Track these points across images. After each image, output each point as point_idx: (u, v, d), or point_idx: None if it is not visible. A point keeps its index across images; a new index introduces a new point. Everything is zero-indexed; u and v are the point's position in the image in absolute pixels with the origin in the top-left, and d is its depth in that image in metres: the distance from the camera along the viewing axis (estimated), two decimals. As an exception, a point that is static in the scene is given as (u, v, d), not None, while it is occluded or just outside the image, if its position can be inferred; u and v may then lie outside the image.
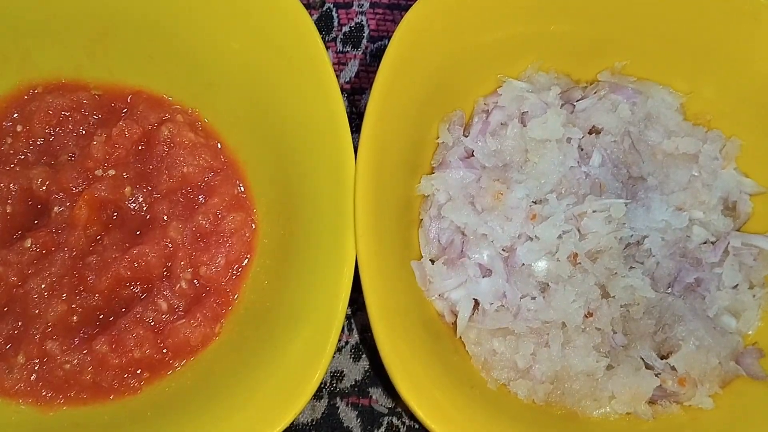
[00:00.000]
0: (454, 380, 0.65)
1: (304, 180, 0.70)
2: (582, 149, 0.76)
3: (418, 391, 0.61)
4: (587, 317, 0.71)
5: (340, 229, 0.65)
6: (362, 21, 0.87)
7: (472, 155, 0.75)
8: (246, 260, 0.74)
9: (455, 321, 0.71)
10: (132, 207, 0.74)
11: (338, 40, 0.86)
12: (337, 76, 0.84)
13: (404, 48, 0.69)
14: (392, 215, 0.70)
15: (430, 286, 0.71)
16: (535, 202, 0.73)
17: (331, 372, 0.76)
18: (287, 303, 0.68)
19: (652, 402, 0.71)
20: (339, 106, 0.67)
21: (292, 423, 0.64)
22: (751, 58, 0.75)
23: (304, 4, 0.72)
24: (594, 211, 0.71)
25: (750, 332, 0.74)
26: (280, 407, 0.62)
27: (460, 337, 0.71)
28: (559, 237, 0.71)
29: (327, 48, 0.83)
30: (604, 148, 0.76)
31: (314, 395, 0.75)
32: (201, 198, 0.75)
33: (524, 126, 0.75)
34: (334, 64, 0.85)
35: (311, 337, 0.63)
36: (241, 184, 0.76)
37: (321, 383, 0.75)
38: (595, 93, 0.78)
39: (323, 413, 0.75)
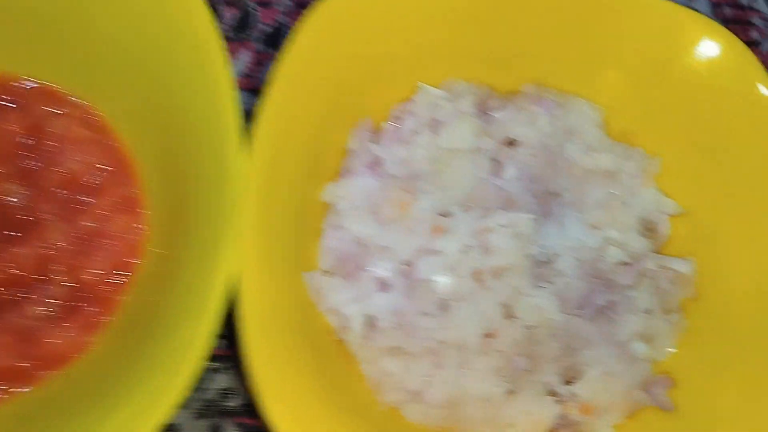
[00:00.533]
0: (335, 401, 0.61)
1: (193, 183, 0.66)
2: (497, 161, 0.73)
3: (290, 414, 0.57)
4: (489, 338, 0.67)
5: (220, 238, 0.61)
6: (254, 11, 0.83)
7: (381, 164, 0.71)
8: (131, 266, 0.69)
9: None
10: (13, 204, 0.69)
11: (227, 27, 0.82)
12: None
13: (310, 41, 0.65)
14: (288, 223, 0.65)
15: (323, 300, 0.67)
16: (443, 216, 0.69)
17: (220, 390, 0.72)
18: (166, 313, 0.64)
19: (553, 431, 0.67)
20: (230, 103, 0.63)
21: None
22: (673, 75, 0.72)
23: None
24: (501, 226, 0.68)
25: (662, 359, 0.71)
26: (141, 418, 0.57)
27: (356, 356, 0.67)
28: (463, 252, 0.67)
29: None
30: (519, 160, 0.72)
31: (198, 413, 0.71)
32: (88, 198, 0.70)
33: (437, 135, 0.71)
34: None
35: (179, 349, 0.59)
36: (132, 186, 0.71)
37: (207, 401, 0.71)
38: (514, 104, 0.74)
39: (208, 433, 0.71)
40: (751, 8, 0.90)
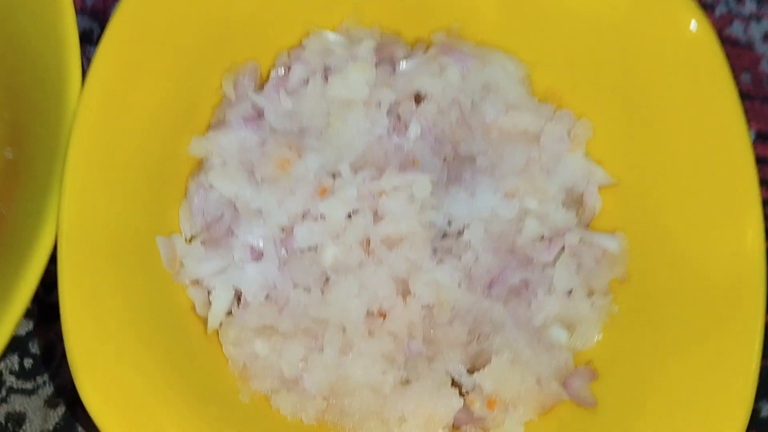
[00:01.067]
0: (184, 390, 0.51)
1: (32, 133, 0.56)
2: (400, 118, 0.63)
3: (114, 400, 0.47)
4: (379, 318, 0.57)
5: (45, 195, 0.51)
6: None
7: (262, 116, 0.61)
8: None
9: (211, 314, 0.57)
10: None
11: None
12: (108, 7, 0.71)
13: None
14: (141, 180, 0.56)
15: (181, 270, 0.57)
16: (333, 177, 0.60)
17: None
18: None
19: (455, 427, 0.58)
20: (68, 30, 0.53)
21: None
22: (602, 22, 0.63)
23: None
24: (395, 188, 0.58)
25: (585, 348, 0.61)
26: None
27: (218, 337, 0.57)
28: (350, 218, 0.57)
29: None
30: (425, 118, 0.63)
31: (48, 403, 0.61)
32: None
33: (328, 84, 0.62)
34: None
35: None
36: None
37: (60, 387, 0.61)
38: (423, 53, 0.65)
39: (57, 425, 0.61)
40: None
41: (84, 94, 0.52)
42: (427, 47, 0.66)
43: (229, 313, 0.57)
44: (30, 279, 0.48)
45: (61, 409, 0.61)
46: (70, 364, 0.48)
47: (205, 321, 0.57)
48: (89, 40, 0.70)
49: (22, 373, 0.61)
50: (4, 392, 0.61)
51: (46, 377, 0.62)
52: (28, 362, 0.62)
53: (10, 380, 0.61)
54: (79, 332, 0.48)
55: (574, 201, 0.65)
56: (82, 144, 0.51)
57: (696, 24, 0.59)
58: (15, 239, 0.53)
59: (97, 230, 0.51)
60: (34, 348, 0.62)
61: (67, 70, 0.53)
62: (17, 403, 0.61)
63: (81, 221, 0.50)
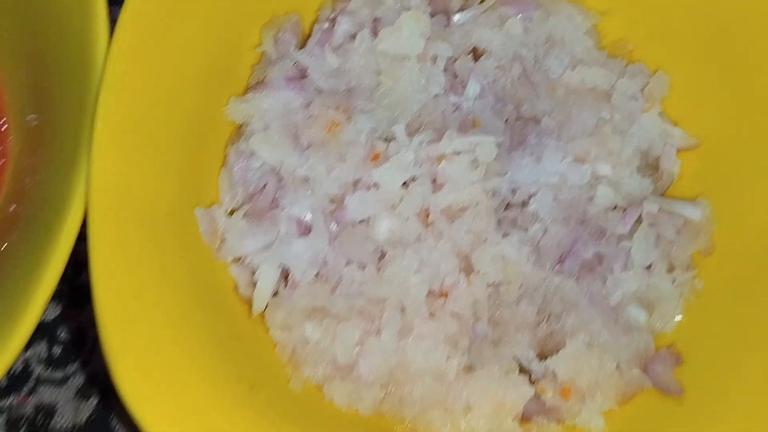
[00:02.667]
0: (227, 379, 0.46)
1: (57, 97, 0.52)
2: (456, 75, 0.58)
3: (153, 390, 0.42)
4: (440, 297, 0.52)
5: (73, 165, 0.46)
6: None
7: (306, 75, 0.56)
8: (-9, 197, 0.55)
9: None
10: None
11: None
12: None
13: None
14: (175, 147, 0.50)
15: (223, 246, 0.52)
16: (385, 140, 0.54)
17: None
18: (13, 262, 0.49)
19: (524, 418, 0.53)
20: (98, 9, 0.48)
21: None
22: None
23: None
24: (456, 153, 0.52)
25: (666, 330, 0.56)
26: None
27: (264, 320, 0.52)
28: (405, 185, 0.52)
29: None
30: (484, 75, 0.57)
31: (81, 395, 0.56)
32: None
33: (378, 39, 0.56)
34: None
35: (24, 291, 0.44)
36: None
37: (93, 375, 0.57)
38: (480, 3, 0.59)
39: (90, 417, 0.56)
40: None
41: (111, 54, 0.46)
42: (480, -8, 0.60)
43: (276, 293, 0.52)
44: (58, 257, 0.43)
45: (94, 400, 0.56)
46: (103, 351, 0.43)
47: (249, 301, 0.52)
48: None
49: (51, 362, 0.57)
50: (32, 383, 0.56)
51: (77, 365, 0.57)
52: (57, 350, 0.57)
53: (39, 369, 0.57)
54: (113, 316, 0.43)
55: (650, 166, 0.60)
56: (110, 108, 0.46)
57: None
58: (41, 214, 0.48)
59: (130, 202, 0.46)
60: (64, 334, 0.58)
61: (93, 30, 0.48)
62: (47, 394, 0.56)
63: (112, 192, 0.45)
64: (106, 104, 0.46)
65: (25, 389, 0.56)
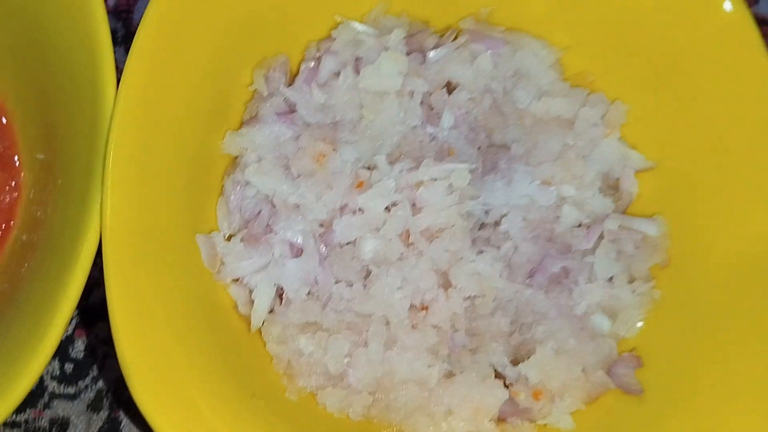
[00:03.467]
0: (231, 389, 0.50)
1: (66, 134, 0.56)
2: (432, 108, 0.62)
3: (167, 401, 0.47)
4: (421, 311, 0.57)
5: (87, 197, 0.50)
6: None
7: (295, 110, 0.60)
8: (2, 232, 0.59)
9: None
10: None
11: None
12: (131, 8, 0.70)
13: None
14: (176, 178, 0.55)
15: (222, 268, 0.56)
16: (368, 169, 0.59)
17: (118, 378, 0.61)
18: (33, 285, 0.53)
19: (500, 419, 0.57)
20: (104, 45, 0.52)
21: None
22: (633, 6, 0.61)
23: None
24: (433, 180, 0.57)
25: (628, 336, 0.60)
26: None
27: (261, 335, 0.57)
28: (388, 210, 0.57)
29: None
30: (458, 106, 0.62)
31: (92, 408, 0.60)
32: (-48, 154, 0.60)
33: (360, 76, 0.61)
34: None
35: (41, 320, 0.49)
36: (5, 139, 0.61)
37: (102, 391, 0.61)
38: (453, 41, 0.64)
39: (101, 428, 0.60)
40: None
41: (120, 95, 0.51)
42: (457, 35, 0.65)
43: (272, 310, 0.57)
44: (76, 283, 0.48)
45: (104, 413, 0.60)
46: (120, 365, 0.47)
47: (247, 319, 0.57)
48: (114, 40, 0.69)
49: (63, 378, 0.61)
50: (47, 398, 0.61)
51: (88, 381, 0.61)
52: (69, 366, 0.61)
53: (53, 385, 0.61)
54: (128, 334, 0.47)
55: (611, 186, 0.64)
56: (121, 145, 0.50)
57: (730, 4, 0.58)
58: (56, 242, 0.52)
59: (140, 230, 0.50)
60: (74, 352, 0.62)
61: (101, 71, 0.52)
62: (60, 408, 0.60)
63: (124, 222, 0.49)
64: (118, 141, 0.50)
65: (40, 404, 0.60)
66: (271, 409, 0.52)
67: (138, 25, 0.68)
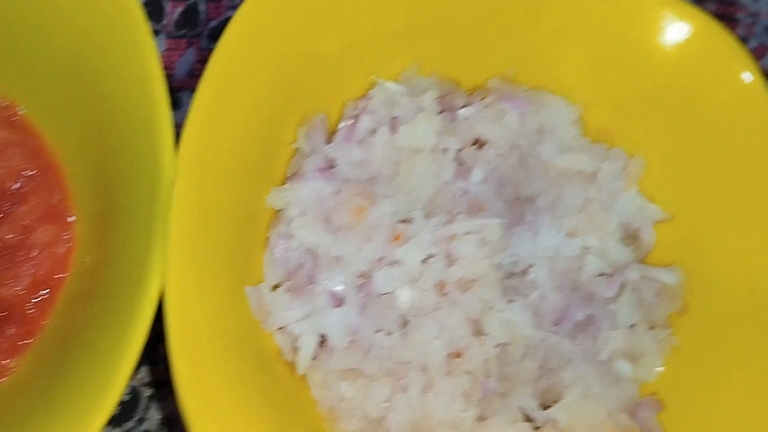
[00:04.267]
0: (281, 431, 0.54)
1: (122, 189, 0.59)
2: (463, 163, 0.66)
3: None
4: (456, 358, 0.60)
5: (147, 249, 0.53)
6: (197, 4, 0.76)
7: (334, 166, 0.64)
8: (56, 282, 0.62)
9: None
10: None
11: (172, 23, 0.75)
12: (173, 65, 0.73)
13: (247, 32, 0.59)
14: (228, 232, 0.58)
15: (269, 317, 0.59)
16: (403, 222, 0.63)
17: (161, 419, 0.64)
18: (92, 333, 0.56)
19: (530, 461, 0.60)
20: (163, 104, 0.56)
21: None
22: (652, 65, 0.65)
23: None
24: (467, 233, 0.61)
25: (649, 380, 0.64)
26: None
27: (305, 380, 0.60)
28: (424, 262, 0.60)
29: (158, 33, 0.75)
30: (487, 162, 0.66)
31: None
32: (9, 206, 0.63)
33: (396, 134, 0.65)
34: (169, 49, 0.75)
35: (104, 372, 0.52)
36: (58, 192, 0.64)
37: None
38: (481, 100, 0.68)
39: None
40: (736, 3, 0.84)
41: (181, 153, 0.54)
42: (484, 93, 0.69)
43: (315, 357, 0.60)
44: (140, 336, 0.51)
45: (150, 455, 0.63)
46: (181, 411, 0.50)
47: (292, 365, 0.60)
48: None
49: (110, 420, 0.63)
50: (95, 439, 0.63)
51: (133, 423, 0.64)
52: (116, 409, 0.64)
53: (100, 427, 0.64)
54: (188, 384, 0.50)
55: (631, 237, 0.68)
56: (181, 202, 0.53)
57: (750, 76, 0.62)
58: (115, 295, 0.55)
59: (197, 285, 0.54)
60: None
61: (159, 130, 0.55)
62: (108, 449, 0.63)
63: (184, 276, 0.52)
64: (179, 198, 0.54)
65: (90, 445, 0.63)
66: (319, 452, 0.55)
67: (178, 80, 0.74)
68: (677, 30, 0.64)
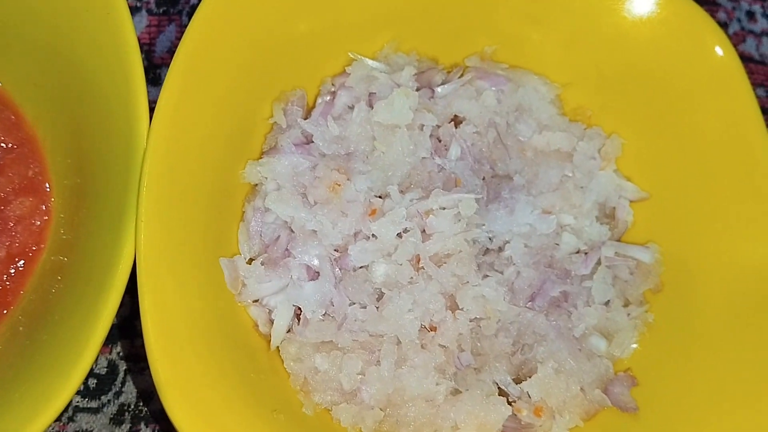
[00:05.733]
0: (254, 404, 0.54)
1: (99, 163, 0.59)
2: (440, 140, 0.66)
3: (197, 415, 0.50)
4: (430, 332, 0.60)
5: (121, 222, 0.54)
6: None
7: (311, 141, 0.64)
8: (33, 253, 0.62)
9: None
10: None
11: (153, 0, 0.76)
12: (153, 42, 0.74)
13: (224, 4, 0.59)
14: (201, 205, 0.58)
15: (243, 290, 0.59)
16: (380, 197, 0.63)
17: (138, 392, 0.64)
18: (64, 307, 0.57)
19: (503, 435, 0.61)
20: (137, 74, 0.56)
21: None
22: (629, 43, 0.66)
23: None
24: (441, 208, 0.61)
25: (623, 356, 0.64)
26: (32, 415, 0.50)
27: (279, 353, 0.60)
28: (399, 236, 0.60)
29: (139, 10, 0.75)
30: (464, 139, 0.66)
31: (114, 422, 0.63)
32: (-16, 179, 0.63)
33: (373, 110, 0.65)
34: (149, 26, 0.75)
35: (71, 346, 0.52)
36: (35, 165, 0.64)
37: (124, 405, 0.64)
38: (459, 77, 0.68)
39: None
40: (717, -12, 0.84)
41: (153, 128, 0.55)
42: (463, 72, 0.69)
43: (289, 330, 0.60)
44: (111, 305, 0.51)
45: (126, 426, 0.63)
46: (154, 380, 0.51)
47: (266, 338, 0.60)
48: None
49: (87, 393, 0.64)
50: (70, 411, 0.63)
51: (110, 396, 0.64)
52: (92, 382, 0.64)
53: (76, 400, 0.64)
54: (161, 352, 0.51)
55: (607, 216, 0.69)
56: (154, 175, 0.54)
57: (722, 50, 0.62)
58: (89, 266, 0.56)
59: (171, 256, 0.54)
60: (97, 368, 0.65)
61: (135, 104, 0.56)
62: (84, 421, 0.63)
63: (156, 248, 0.53)
64: (151, 171, 0.54)
65: (65, 417, 0.63)
66: (291, 423, 0.55)
67: (159, 57, 0.74)
68: (649, 7, 0.64)
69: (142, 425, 0.63)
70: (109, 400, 0.64)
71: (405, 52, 0.68)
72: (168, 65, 0.69)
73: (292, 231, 0.61)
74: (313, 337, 0.59)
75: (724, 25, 0.84)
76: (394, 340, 0.59)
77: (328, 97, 0.66)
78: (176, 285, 0.54)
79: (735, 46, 0.77)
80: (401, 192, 0.62)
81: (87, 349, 0.51)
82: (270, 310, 0.60)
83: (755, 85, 0.81)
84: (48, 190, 0.64)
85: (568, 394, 0.60)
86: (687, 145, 0.66)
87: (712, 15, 0.83)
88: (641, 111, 0.68)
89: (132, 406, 0.64)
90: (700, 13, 0.63)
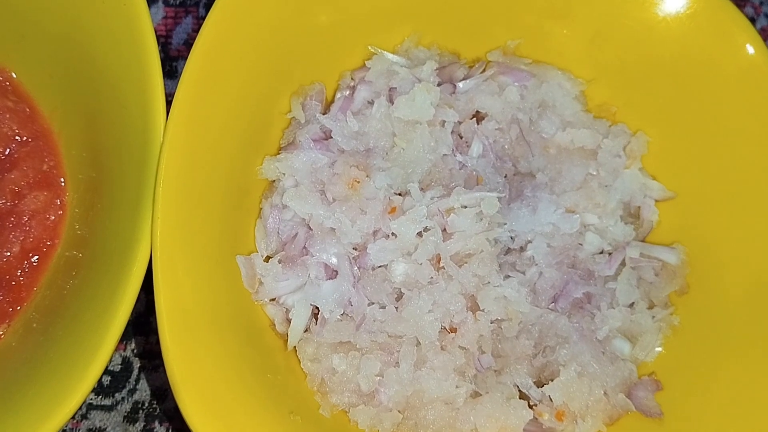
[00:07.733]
0: (270, 405, 0.53)
1: (114, 157, 0.58)
2: (461, 137, 0.65)
3: (212, 414, 0.49)
4: (450, 333, 0.59)
5: (137, 218, 0.53)
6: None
7: (330, 137, 0.63)
8: (47, 248, 0.61)
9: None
10: None
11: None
12: (170, 34, 0.72)
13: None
14: (218, 201, 0.57)
15: (260, 288, 0.58)
16: (399, 195, 0.61)
17: (153, 390, 0.64)
18: (79, 303, 0.56)
19: (525, 439, 0.59)
20: (154, 67, 0.55)
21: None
22: (655, 39, 0.64)
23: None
24: (463, 207, 0.60)
25: (647, 360, 0.63)
26: (47, 413, 0.49)
27: (296, 353, 0.59)
28: (419, 235, 0.59)
29: (156, 1, 0.74)
30: (486, 136, 0.64)
31: (128, 419, 0.63)
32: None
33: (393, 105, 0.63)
34: (166, 18, 0.74)
35: (86, 343, 0.51)
36: (51, 158, 0.63)
37: (138, 403, 0.63)
38: (482, 73, 0.67)
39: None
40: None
41: (170, 123, 0.54)
42: (485, 66, 0.67)
43: (307, 329, 0.59)
44: (128, 301, 0.50)
45: (140, 425, 0.62)
46: (169, 379, 0.49)
47: (283, 337, 0.59)
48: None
49: (101, 390, 0.63)
50: (84, 409, 0.63)
51: (124, 393, 0.63)
52: (106, 379, 0.64)
53: (90, 397, 0.63)
54: (176, 351, 0.50)
55: (632, 215, 0.67)
56: (171, 170, 0.53)
57: (753, 48, 0.60)
58: (105, 262, 0.55)
59: (186, 252, 0.53)
60: (112, 365, 0.64)
61: (151, 99, 0.55)
62: (97, 419, 0.62)
63: (172, 244, 0.52)
64: (168, 166, 0.52)
65: (78, 415, 0.62)
66: (307, 425, 0.54)
67: (175, 49, 0.73)
68: (678, 2, 0.62)
69: (156, 423, 0.63)
70: (123, 398, 0.63)
71: (426, 46, 0.67)
72: (184, 58, 0.69)
73: (310, 228, 0.60)
74: (330, 337, 0.58)
75: (751, 20, 0.82)
76: (413, 341, 0.58)
77: (348, 92, 0.65)
78: (192, 282, 0.53)
79: (764, 41, 0.76)
80: (422, 190, 0.61)
81: (102, 346, 0.50)
82: (287, 309, 0.59)
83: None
84: (63, 184, 0.63)
85: (590, 398, 0.59)
86: (714, 143, 0.64)
87: (740, 10, 0.81)
88: (667, 108, 0.66)
89: (146, 404, 0.63)
90: (731, 9, 0.61)
